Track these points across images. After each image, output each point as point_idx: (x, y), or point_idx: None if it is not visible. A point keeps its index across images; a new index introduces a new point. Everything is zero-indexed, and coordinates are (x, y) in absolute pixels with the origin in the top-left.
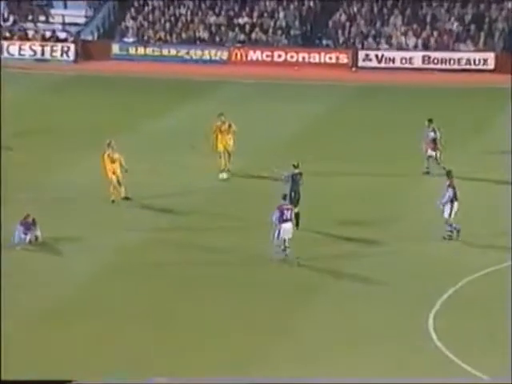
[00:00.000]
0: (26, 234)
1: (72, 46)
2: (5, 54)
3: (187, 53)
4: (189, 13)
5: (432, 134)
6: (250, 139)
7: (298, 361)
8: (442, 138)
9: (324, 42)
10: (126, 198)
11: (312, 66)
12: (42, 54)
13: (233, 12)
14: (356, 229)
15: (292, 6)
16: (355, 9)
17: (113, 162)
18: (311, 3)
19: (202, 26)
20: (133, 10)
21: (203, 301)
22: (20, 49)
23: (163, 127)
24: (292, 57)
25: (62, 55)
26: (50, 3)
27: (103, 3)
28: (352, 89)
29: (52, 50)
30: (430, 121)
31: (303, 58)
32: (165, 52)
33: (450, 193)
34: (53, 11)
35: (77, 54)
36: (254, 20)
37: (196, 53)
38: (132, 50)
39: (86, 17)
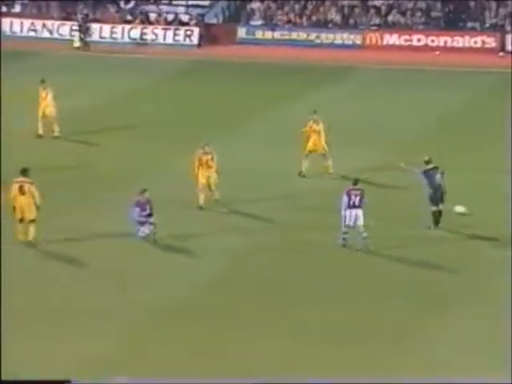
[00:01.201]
0: (142, 221)
1: (196, 30)
2: (125, 39)
3: (318, 37)
4: None
5: None
6: (384, 130)
7: (429, 368)
8: None
9: (469, 24)
10: (216, 201)
11: (455, 51)
12: (164, 38)
13: None
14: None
15: None
16: None
17: (201, 165)
18: None
19: (334, 7)
20: None
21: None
22: (142, 33)
23: (288, 116)
24: (433, 41)
25: (185, 39)
26: None
27: None
28: (499, 76)
29: (175, 34)
30: None
31: (445, 42)
32: (294, 36)
33: None
34: None
35: (201, 38)
36: (391, 1)
37: (327, 37)
38: (259, 34)
39: None
